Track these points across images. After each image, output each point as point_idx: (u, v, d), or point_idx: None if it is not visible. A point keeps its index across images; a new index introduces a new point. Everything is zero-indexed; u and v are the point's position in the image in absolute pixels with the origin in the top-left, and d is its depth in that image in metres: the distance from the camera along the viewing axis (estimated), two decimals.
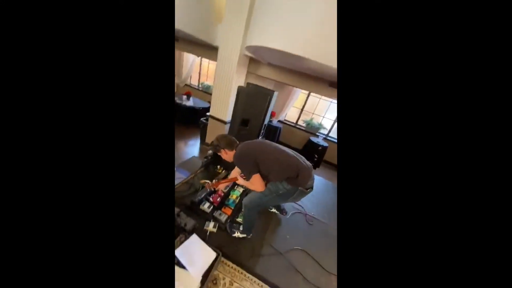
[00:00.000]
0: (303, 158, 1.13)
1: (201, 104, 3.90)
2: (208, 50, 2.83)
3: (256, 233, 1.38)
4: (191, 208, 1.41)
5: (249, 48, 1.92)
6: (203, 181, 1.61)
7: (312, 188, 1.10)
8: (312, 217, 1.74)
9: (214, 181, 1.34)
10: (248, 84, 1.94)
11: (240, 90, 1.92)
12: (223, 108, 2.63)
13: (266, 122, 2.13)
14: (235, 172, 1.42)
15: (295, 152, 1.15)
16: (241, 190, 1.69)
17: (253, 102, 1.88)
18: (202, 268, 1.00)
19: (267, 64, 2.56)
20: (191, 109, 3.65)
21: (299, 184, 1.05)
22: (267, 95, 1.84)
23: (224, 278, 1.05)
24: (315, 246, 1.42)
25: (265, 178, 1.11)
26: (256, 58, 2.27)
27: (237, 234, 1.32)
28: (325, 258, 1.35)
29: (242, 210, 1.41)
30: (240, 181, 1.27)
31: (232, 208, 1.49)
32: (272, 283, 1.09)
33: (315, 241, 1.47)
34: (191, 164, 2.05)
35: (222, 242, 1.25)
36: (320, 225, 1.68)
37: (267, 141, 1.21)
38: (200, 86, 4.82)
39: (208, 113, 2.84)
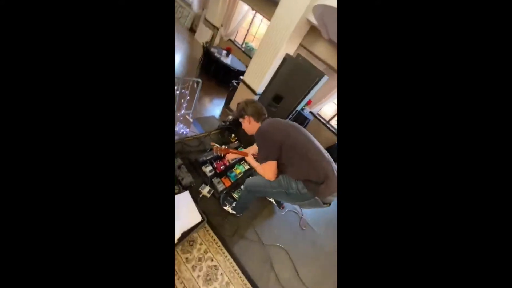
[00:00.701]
0: (336, 166, 0.90)
1: (238, 65, 3.62)
2: (266, 5, 2.40)
3: (246, 215, 1.32)
4: (193, 165, 1.36)
5: (317, 8, 1.52)
6: (213, 144, 1.52)
7: (330, 204, 0.91)
8: (307, 223, 1.63)
9: (223, 147, 1.22)
10: (298, 55, 1.62)
11: (287, 58, 1.60)
12: (258, 76, 2.37)
13: (299, 107, 1.87)
14: (251, 149, 1.26)
15: (329, 155, 0.92)
16: (247, 167, 1.59)
17: (296, 78, 1.59)
18: (183, 226, 0.98)
19: (327, 40, 2.11)
20: (226, 67, 3.41)
21: (319, 194, 0.85)
22: (316, 76, 1.53)
23: (201, 244, 1.03)
24: (299, 251, 1.34)
25: (281, 169, 0.92)
26: (318, 27, 1.84)
27: (227, 208, 1.27)
28: (304, 267, 1.27)
29: (241, 188, 1.32)
30: (250, 159, 1.13)
31: (232, 181, 1.42)
32: (244, 268, 1.06)
33: (301, 247, 1.39)
34: (208, 123, 1.97)
35: (211, 210, 1.21)
36: (311, 233, 1.57)
37: (302, 128, 0.98)
38: (243, 45, 4.41)
39: (241, 77, 2.61)
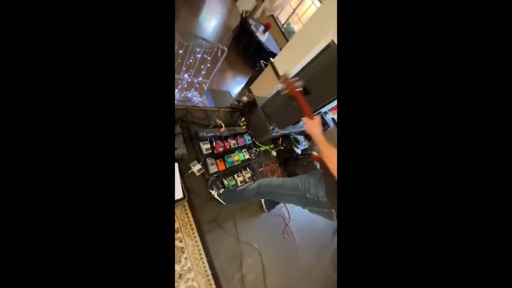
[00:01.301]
0: None
1: (272, 45, 3.31)
2: None
3: (230, 206, 1.23)
4: (191, 137, 1.26)
5: None
6: (218, 121, 1.39)
7: None
8: (291, 232, 1.53)
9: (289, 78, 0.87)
10: None
11: (331, 46, 1.32)
12: (290, 63, 2.11)
13: (325, 109, 1.65)
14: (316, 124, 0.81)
15: None
16: (246, 155, 1.47)
17: (333, 74, 1.34)
18: None
19: None
20: (259, 44, 3.13)
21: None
22: None
23: (174, 221, 0.97)
24: (272, 257, 1.26)
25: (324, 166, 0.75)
26: None
27: (214, 193, 1.18)
28: (273, 274, 1.20)
29: (247, 183, 1.21)
30: (316, 130, 0.78)
31: (227, 166, 1.31)
32: (212, 260, 1.00)
33: (276, 254, 1.31)
34: (221, 98, 1.82)
35: (195, 190, 1.13)
36: (292, 243, 1.48)
37: None
38: (284, 26, 4.00)
39: (271, 59, 2.36)
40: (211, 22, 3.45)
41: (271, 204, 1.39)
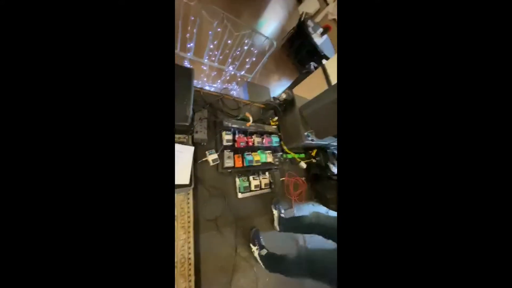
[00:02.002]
0: None
1: (328, 49, 2.99)
2: None
3: (238, 210, 1.08)
4: (215, 125, 1.18)
5: None
6: (248, 114, 1.27)
7: None
8: None
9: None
10: None
11: None
12: None
13: None
14: None
15: None
16: (269, 158, 1.28)
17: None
18: None
19: None
20: (313, 46, 2.89)
21: None
22: None
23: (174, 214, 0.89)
24: (271, 283, 1.02)
25: None
26: None
27: (254, 250, 0.99)
28: None
29: (262, 190, 1.12)
30: None
31: (244, 165, 1.16)
32: (199, 263, 0.87)
33: (277, 285, 1.05)
34: (259, 93, 1.71)
35: (205, 180, 1.04)
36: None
37: None
38: None
39: (324, 61, 2.09)
40: (270, 25, 3.48)
41: (290, 226, 1.13)
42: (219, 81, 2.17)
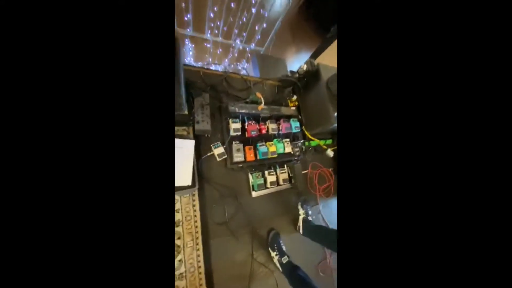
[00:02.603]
0: None
1: None
2: None
3: (253, 211, 0.92)
4: (220, 112, 0.99)
5: None
6: (259, 95, 1.03)
7: None
8: (332, 269, 1.05)
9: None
10: None
11: None
12: None
13: None
14: None
15: None
16: (288, 148, 1.05)
17: None
18: None
19: None
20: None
21: None
22: None
23: (177, 211, 0.78)
24: None
25: None
26: None
27: (273, 256, 0.86)
28: None
29: (280, 186, 0.96)
30: None
31: (258, 158, 0.97)
32: (211, 272, 0.77)
33: None
34: (272, 67, 1.41)
35: (212, 177, 0.89)
36: (328, 287, 1.02)
37: None
38: None
39: None
40: None
41: (315, 234, 0.92)
42: (226, 60, 1.90)
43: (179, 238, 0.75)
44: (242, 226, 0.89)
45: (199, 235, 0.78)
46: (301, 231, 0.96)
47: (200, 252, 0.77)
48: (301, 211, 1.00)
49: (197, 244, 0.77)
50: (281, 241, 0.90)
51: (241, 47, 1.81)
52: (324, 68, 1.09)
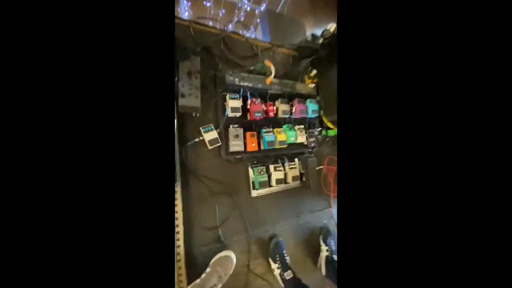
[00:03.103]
0: None
1: None
2: None
3: (259, 217, 0.74)
4: (215, 84, 0.74)
5: None
6: (269, 64, 0.76)
7: None
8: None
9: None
10: None
11: None
12: None
13: None
14: None
15: None
16: (301, 137, 0.82)
17: None
18: None
19: None
20: None
21: None
22: None
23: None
24: None
25: None
26: None
27: (274, 268, 0.70)
28: None
29: (287, 184, 0.74)
30: None
31: (262, 148, 0.75)
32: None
33: None
34: (288, 30, 1.09)
35: (202, 170, 0.69)
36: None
37: None
38: None
39: None
40: None
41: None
42: (230, 25, 1.56)
43: None
44: (237, 231, 0.71)
45: (181, 243, 0.61)
46: (323, 272, 0.77)
47: (182, 264, 0.60)
48: (324, 247, 0.79)
49: (178, 254, 0.60)
50: (285, 252, 0.72)
51: (249, 8, 1.46)
52: None
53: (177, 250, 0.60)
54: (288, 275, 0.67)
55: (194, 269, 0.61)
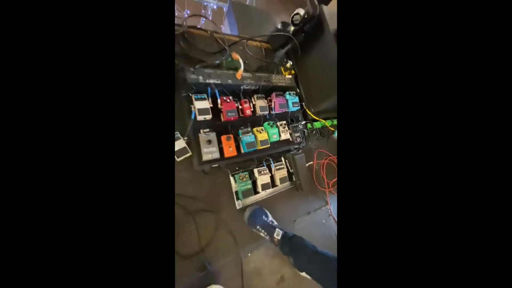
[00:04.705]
0: None
1: None
2: None
3: (250, 231, 0.64)
4: (182, 83, 0.64)
5: None
6: (236, 56, 0.68)
7: None
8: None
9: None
10: None
11: None
12: None
13: None
14: None
15: None
16: (285, 134, 0.75)
17: None
18: None
19: None
20: None
21: None
22: None
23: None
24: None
25: None
26: None
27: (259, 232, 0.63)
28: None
29: (277, 187, 0.69)
30: None
31: (242, 151, 0.66)
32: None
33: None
34: (257, 22, 1.03)
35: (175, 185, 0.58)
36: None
37: None
38: None
39: None
40: None
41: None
42: (198, 26, 1.47)
43: None
44: (224, 252, 0.61)
45: None
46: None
47: None
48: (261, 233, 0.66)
49: None
50: (266, 217, 0.64)
51: (215, 7, 1.38)
52: (331, 14, 0.74)
53: None
54: (278, 234, 0.60)
55: None
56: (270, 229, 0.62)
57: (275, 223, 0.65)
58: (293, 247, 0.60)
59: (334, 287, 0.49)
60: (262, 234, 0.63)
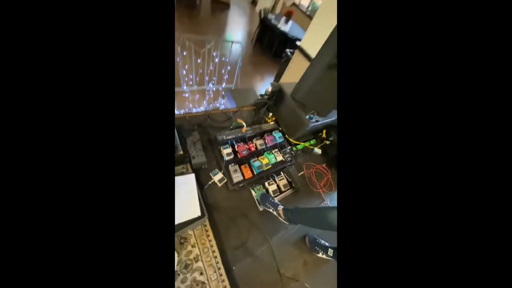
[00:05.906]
0: None
1: (297, 31, 2.93)
2: None
3: (264, 226, 0.94)
4: (210, 143, 1.11)
5: None
6: (240, 120, 1.18)
7: None
8: None
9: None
10: None
11: None
12: (320, 36, 1.69)
13: None
14: None
15: None
16: (279, 157, 1.16)
17: None
18: (177, 217, 0.76)
19: None
20: (283, 35, 2.84)
21: None
22: None
23: (193, 246, 0.79)
24: None
25: None
26: None
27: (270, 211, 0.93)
28: None
29: (284, 193, 1.02)
30: None
31: (255, 173, 1.05)
32: None
33: None
34: (245, 96, 1.64)
35: (219, 204, 0.93)
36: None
37: None
38: (309, 9, 3.54)
39: (298, 42, 2.01)
40: (237, 34, 3.53)
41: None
42: (204, 102, 2.15)
43: (201, 274, 0.74)
44: (259, 243, 0.89)
45: (221, 265, 0.77)
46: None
47: (227, 283, 0.74)
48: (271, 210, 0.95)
49: (221, 275, 0.75)
50: (272, 199, 0.94)
51: (214, 89, 2.09)
52: (286, 85, 1.32)
53: (218, 271, 0.76)
54: (280, 208, 0.89)
55: (235, 285, 0.75)
56: (275, 205, 0.93)
57: (278, 202, 0.96)
58: (292, 212, 0.87)
59: (323, 225, 0.74)
60: (270, 210, 0.94)
